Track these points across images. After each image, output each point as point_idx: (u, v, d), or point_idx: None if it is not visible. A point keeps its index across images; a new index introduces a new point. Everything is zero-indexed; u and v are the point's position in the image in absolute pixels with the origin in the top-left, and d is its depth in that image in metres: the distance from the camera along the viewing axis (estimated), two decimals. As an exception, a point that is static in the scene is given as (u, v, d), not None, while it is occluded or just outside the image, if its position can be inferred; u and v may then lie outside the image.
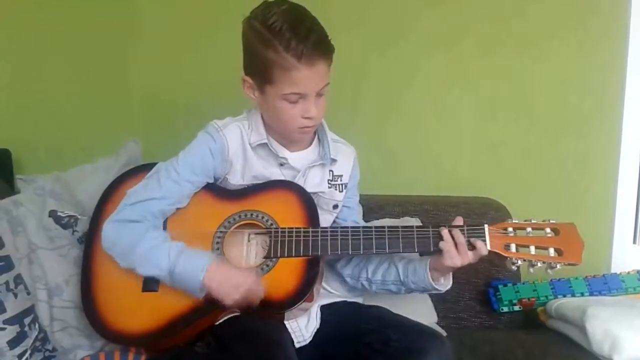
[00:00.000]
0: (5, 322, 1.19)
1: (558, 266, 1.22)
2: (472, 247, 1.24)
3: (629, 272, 1.71)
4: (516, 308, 1.71)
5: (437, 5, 1.92)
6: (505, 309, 1.71)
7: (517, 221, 1.28)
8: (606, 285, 1.69)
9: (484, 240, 1.24)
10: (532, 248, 1.24)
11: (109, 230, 1.25)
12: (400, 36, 1.94)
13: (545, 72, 1.93)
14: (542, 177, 1.97)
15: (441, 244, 1.24)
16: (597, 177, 1.96)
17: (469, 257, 1.23)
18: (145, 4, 1.95)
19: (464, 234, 1.24)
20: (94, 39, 1.93)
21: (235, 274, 1.22)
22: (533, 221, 1.27)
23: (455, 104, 1.96)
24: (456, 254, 1.23)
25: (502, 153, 1.97)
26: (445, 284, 1.32)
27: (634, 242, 1.98)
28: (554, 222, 1.27)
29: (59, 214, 1.40)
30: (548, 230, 1.26)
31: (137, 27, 1.95)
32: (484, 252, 1.24)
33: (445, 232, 1.24)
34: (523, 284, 1.72)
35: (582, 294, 1.68)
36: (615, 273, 1.72)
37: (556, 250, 1.23)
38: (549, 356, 1.46)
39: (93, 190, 1.43)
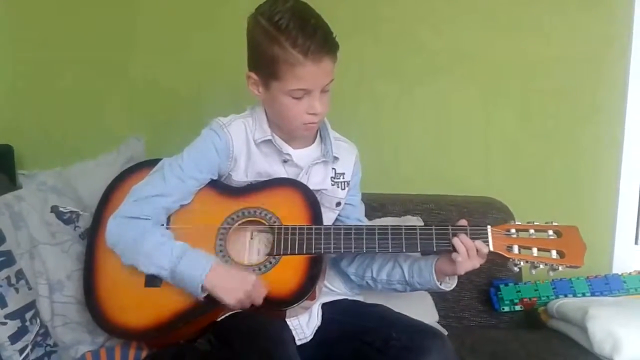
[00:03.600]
0: (6, 316, 1.19)
1: (560, 268, 1.22)
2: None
3: (630, 273, 1.71)
4: (517, 308, 1.70)
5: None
6: (507, 309, 1.70)
7: (519, 223, 1.28)
8: (608, 285, 1.68)
9: (487, 241, 1.24)
10: (535, 250, 1.24)
11: (113, 227, 1.25)
12: (403, 35, 1.93)
13: (548, 73, 1.93)
14: (544, 177, 1.96)
15: (454, 255, 1.23)
16: (599, 178, 1.95)
17: (479, 260, 1.24)
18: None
19: (466, 234, 1.24)
20: (96, 35, 1.92)
21: (236, 275, 1.22)
22: (536, 223, 1.27)
23: (459, 103, 1.95)
24: (469, 260, 1.23)
25: (505, 153, 1.96)
26: (450, 283, 1.32)
27: (636, 242, 1.98)
28: (556, 224, 1.26)
29: (60, 209, 1.40)
30: (550, 232, 1.26)
31: (139, 21, 1.94)
32: (485, 251, 1.24)
33: (456, 240, 1.23)
34: (524, 283, 1.72)
35: (584, 294, 1.67)
36: (617, 273, 1.72)
37: (558, 252, 1.23)
38: (549, 356, 1.46)
39: (95, 186, 1.43)
